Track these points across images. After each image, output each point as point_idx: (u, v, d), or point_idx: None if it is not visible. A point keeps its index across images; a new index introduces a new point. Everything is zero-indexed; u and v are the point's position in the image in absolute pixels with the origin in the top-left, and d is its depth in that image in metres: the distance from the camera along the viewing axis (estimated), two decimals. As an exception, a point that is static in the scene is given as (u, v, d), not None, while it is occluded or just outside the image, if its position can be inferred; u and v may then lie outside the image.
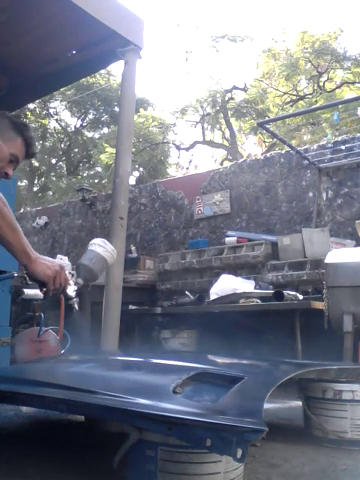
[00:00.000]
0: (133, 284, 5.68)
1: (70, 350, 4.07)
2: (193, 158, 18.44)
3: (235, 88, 13.50)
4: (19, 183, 14.97)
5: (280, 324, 4.43)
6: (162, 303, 5.29)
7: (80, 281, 1.93)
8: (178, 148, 14.38)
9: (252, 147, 15.92)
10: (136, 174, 13.64)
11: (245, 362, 2.87)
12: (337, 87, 12.45)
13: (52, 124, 16.07)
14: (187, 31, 23.52)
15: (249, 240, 5.29)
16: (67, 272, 1.78)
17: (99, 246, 2.44)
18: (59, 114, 16.08)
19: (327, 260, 3.81)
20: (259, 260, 5.06)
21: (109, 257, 2.46)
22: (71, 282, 1.80)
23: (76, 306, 1.82)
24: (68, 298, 1.80)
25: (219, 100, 12.94)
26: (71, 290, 1.78)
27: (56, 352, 3.96)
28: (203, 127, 14.19)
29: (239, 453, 1.26)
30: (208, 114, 13.35)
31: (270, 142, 12.83)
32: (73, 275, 1.89)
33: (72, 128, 16.50)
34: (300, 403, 2.58)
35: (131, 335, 5.03)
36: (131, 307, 5.16)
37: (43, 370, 2.35)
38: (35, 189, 16.84)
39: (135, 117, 9.14)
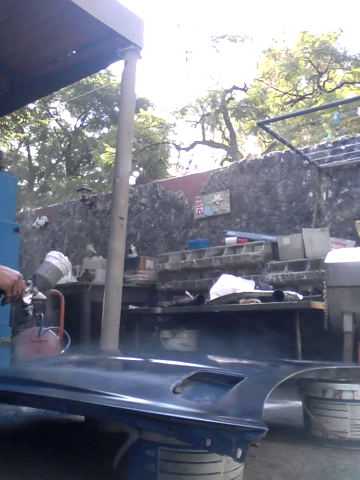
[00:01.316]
0: (133, 284, 5.69)
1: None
2: (193, 158, 18.45)
3: (235, 88, 13.51)
4: (19, 183, 14.97)
5: (280, 324, 4.43)
6: (162, 303, 5.29)
7: (35, 290, 2.07)
8: (178, 148, 14.38)
9: (252, 147, 15.95)
10: (136, 174, 13.64)
11: (245, 362, 2.88)
12: (337, 87, 12.45)
13: (52, 124, 16.09)
14: (187, 31, 23.54)
15: (249, 240, 5.29)
16: (23, 281, 1.90)
17: (55, 259, 2.56)
18: (59, 114, 16.10)
19: (327, 260, 3.81)
20: (259, 260, 5.06)
21: (63, 269, 2.59)
22: (27, 290, 1.91)
23: (31, 312, 1.93)
24: (24, 305, 1.91)
25: (219, 100, 12.94)
26: (27, 298, 1.89)
27: (56, 352, 3.96)
28: (203, 127, 14.19)
29: (239, 453, 1.26)
30: (208, 114, 13.34)
31: (270, 142, 12.83)
32: (29, 284, 2.01)
33: (72, 128, 16.51)
34: (300, 403, 2.58)
35: (131, 335, 5.03)
36: (131, 307, 5.16)
37: (43, 370, 2.35)
38: (35, 189, 16.84)
39: (135, 117, 9.15)
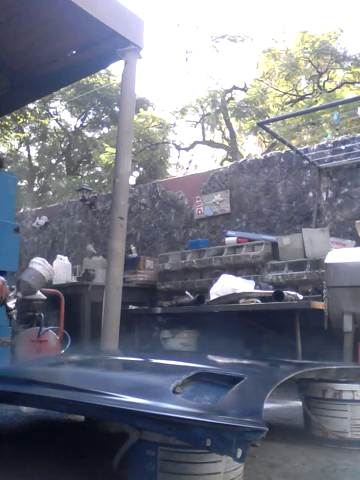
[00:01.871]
0: (133, 284, 5.69)
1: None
2: (193, 158, 18.43)
3: (235, 88, 13.50)
4: (19, 183, 14.97)
5: (280, 324, 4.43)
6: (162, 303, 5.29)
7: (19, 295, 2.13)
8: (178, 148, 14.37)
9: (252, 147, 15.93)
10: (136, 174, 13.63)
11: (245, 362, 2.88)
12: (337, 87, 12.44)
13: (52, 124, 16.08)
14: (187, 31, 23.51)
15: (249, 240, 5.29)
16: (8, 287, 1.95)
17: (38, 265, 2.66)
18: (59, 114, 16.09)
19: (327, 260, 3.81)
20: (259, 260, 5.06)
21: (47, 275, 2.70)
22: (11, 295, 1.95)
23: (14, 317, 1.99)
24: (8, 310, 1.96)
25: (219, 100, 12.94)
26: (11, 302, 1.94)
27: (56, 352, 3.96)
28: (203, 127, 14.18)
29: (239, 453, 1.27)
30: (208, 114, 13.34)
31: (270, 142, 12.82)
32: (13, 289, 2.06)
33: (72, 128, 16.50)
34: (300, 403, 2.58)
35: (131, 335, 5.03)
36: (131, 307, 5.16)
37: (43, 370, 2.36)
38: (35, 189, 16.84)
39: (135, 117, 9.15)
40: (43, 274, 2.67)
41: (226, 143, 14.79)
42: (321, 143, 5.45)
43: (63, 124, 16.41)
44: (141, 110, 12.37)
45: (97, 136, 15.68)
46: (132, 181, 12.35)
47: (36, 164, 17.11)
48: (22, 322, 4.12)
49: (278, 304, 4.10)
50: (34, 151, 17.04)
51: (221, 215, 5.84)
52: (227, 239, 5.44)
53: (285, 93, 13.20)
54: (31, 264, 2.66)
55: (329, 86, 12.62)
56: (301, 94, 13.03)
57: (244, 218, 5.66)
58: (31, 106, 12.30)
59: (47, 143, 16.35)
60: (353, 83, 12.29)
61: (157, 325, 5.32)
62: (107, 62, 4.13)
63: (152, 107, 14.10)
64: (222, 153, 15.53)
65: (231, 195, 5.79)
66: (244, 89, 13.35)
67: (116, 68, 16.02)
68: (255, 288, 4.60)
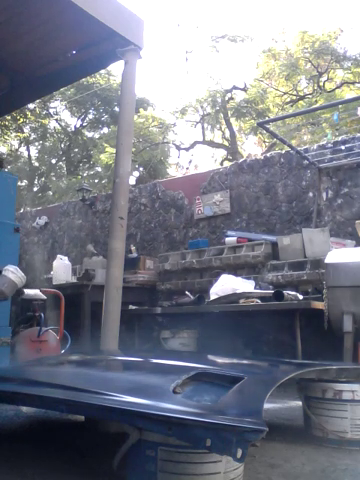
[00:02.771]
0: (133, 284, 5.69)
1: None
2: (193, 158, 18.44)
3: (235, 88, 13.51)
4: (19, 183, 14.97)
5: (280, 324, 4.43)
6: (162, 303, 5.29)
7: None
8: (178, 148, 14.38)
9: (252, 147, 15.95)
10: (136, 174, 13.64)
11: (245, 362, 2.88)
12: (337, 87, 12.46)
13: (52, 124, 16.10)
14: (187, 31, 23.55)
15: (249, 240, 5.28)
16: None
17: (12, 273, 2.77)
18: (59, 114, 16.10)
19: (327, 260, 3.81)
20: (259, 260, 5.06)
21: (19, 282, 2.82)
22: None
23: None
24: None
25: (219, 100, 12.94)
26: None
27: (56, 352, 3.96)
28: (203, 127, 14.19)
29: (239, 453, 1.27)
30: (208, 114, 13.35)
31: (270, 142, 12.83)
32: None
33: (72, 128, 16.51)
34: (300, 403, 2.58)
35: (131, 335, 5.03)
36: (131, 307, 5.16)
37: (43, 370, 2.36)
38: (35, 189, 16.84)
39: (135, 117, 9.15)
40: (16, 281, 2.80)
41: (226, 143, 14.80)
42: (321, 143, 5.45)
43: (63, 124, 16.43)
44: (141, 110, 12.38)
45: (97, 136, 15.69)
46: (132, 181, 12.36)
47: (36, 164, 17.12)
48: (22, 322, 4.11)
49: (278, 304, 4.10)
50: (34, 151, 17.09)
51: (221, 215, 5.84)
52: (227, 239, 5.43)
53: (285, 93, 13.20)
54: (4, 272, 2.78)
55: (329, 86, 12.64)
56: (301, 94, 13.04)
57: (244, 218, 5.66)
58: (31, 106, 12.31)
59: (47, 143, 16.37)
60: (353, 83, 12.31)
61: (157, 325, 5.32)
62: (107, 62, 4.13)
63: (152, 107, 14.12)
64: (222, 153, 15.54)
65: (231, 195, 5.79)
66: (244, 89, 13.36)
67: (116, 68, 16.06)
68: (255, 288, 4.60)
